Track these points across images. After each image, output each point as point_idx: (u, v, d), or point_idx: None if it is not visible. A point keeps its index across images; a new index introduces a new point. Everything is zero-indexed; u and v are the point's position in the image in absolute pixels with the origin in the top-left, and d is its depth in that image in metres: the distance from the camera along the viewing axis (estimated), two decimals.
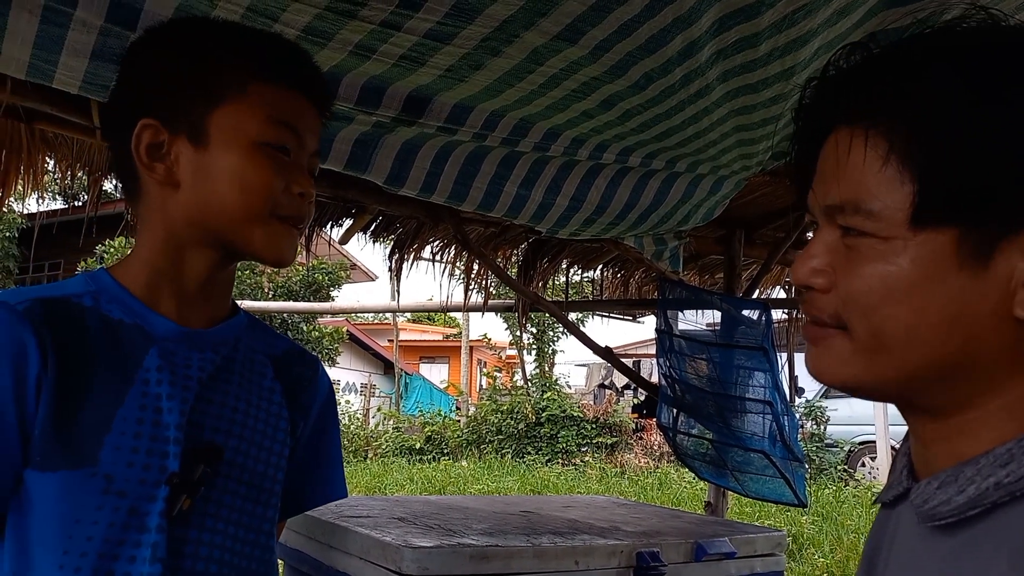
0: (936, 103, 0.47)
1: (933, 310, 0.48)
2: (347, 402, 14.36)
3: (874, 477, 9.01)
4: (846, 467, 9.43)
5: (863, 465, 9.50)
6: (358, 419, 13.48)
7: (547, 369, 14.53)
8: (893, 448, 8.92)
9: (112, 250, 8.47)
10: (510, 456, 10.90)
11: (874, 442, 9.17)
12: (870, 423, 9.18)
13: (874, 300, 0.49)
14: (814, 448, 9.45)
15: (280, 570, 0.92)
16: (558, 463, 10.53)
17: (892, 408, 9.63)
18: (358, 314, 18.48)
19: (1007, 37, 0.48)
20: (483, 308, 3.10)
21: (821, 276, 0.52)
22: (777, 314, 2.95)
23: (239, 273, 11.24)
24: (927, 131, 0.47)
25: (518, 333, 14.61)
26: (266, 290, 12.21)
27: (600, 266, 3.06)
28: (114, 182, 2.05)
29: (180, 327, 0.79)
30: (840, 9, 1.22)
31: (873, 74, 0.50)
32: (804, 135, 0.55)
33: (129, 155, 0.77)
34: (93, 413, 0.72)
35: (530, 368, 14.58)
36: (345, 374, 16.71)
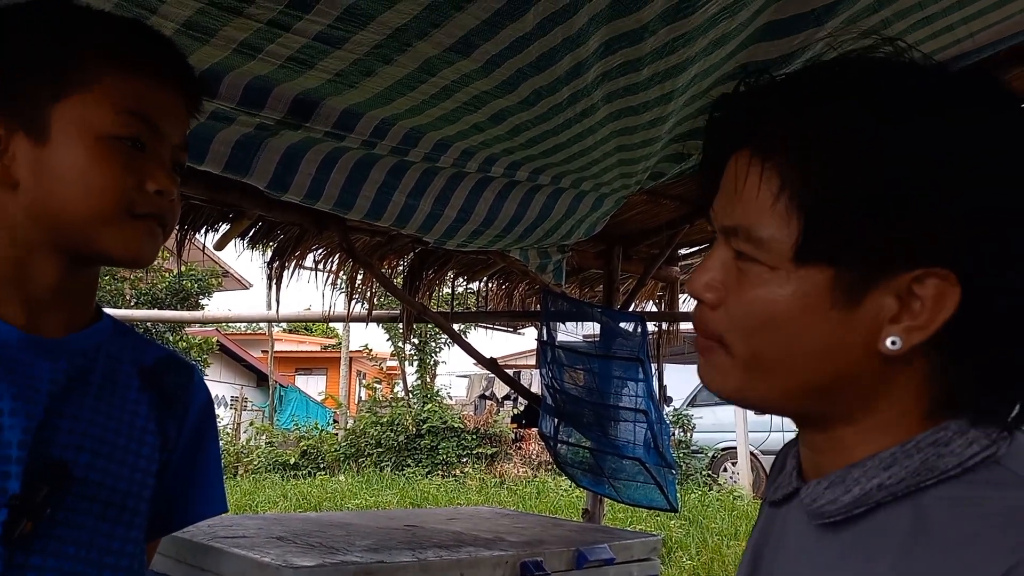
0: (824, 148, 0.50)
1: (807, 340, 0.51)
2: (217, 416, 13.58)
3: (735, 481, 9.54)
4: (710, 472, 9.92)
5: (725, 470, 10.02)
6: (228, 434, 12.77)
7: (428, 380, 14.42)
8: (752, 454, 9.52)
9: None
10: (389, 469, 10.70)
11: (735, 448, 9.71)
12: (732, 430, 9.71)
13: (755, 323, 0.52)
14: (681, 455, 9.88)
15: None
16: (438, 475, 10.46)
17: (751, 416, 10.17)
18: (231, 324, 17.59)
19: (902, 79, 0.50)
20: (367, 319, 3.04)
21: (712, 292, 0.55)
22: (650, 327, 3.09)
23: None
24: (815, 176, 0.50)
25: (401, 344, 14.39)
26: (128, 297, 11.37)
27: (485, 278, 3.09)
28: None
29: (26, 334, 0.72)
30: (715, 40, 1.30)
31: (773, 104, 0.53)
32: (710, 150, 0.57)
33: None
34: None
35: (411, 379, 14.42)
36: (215, 387, 15.78)
